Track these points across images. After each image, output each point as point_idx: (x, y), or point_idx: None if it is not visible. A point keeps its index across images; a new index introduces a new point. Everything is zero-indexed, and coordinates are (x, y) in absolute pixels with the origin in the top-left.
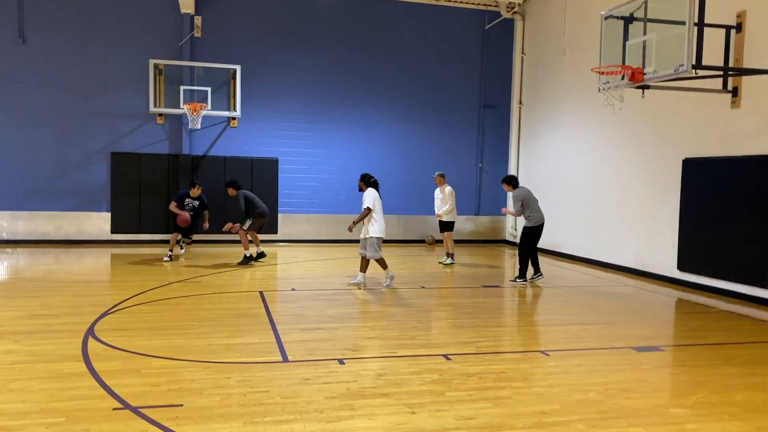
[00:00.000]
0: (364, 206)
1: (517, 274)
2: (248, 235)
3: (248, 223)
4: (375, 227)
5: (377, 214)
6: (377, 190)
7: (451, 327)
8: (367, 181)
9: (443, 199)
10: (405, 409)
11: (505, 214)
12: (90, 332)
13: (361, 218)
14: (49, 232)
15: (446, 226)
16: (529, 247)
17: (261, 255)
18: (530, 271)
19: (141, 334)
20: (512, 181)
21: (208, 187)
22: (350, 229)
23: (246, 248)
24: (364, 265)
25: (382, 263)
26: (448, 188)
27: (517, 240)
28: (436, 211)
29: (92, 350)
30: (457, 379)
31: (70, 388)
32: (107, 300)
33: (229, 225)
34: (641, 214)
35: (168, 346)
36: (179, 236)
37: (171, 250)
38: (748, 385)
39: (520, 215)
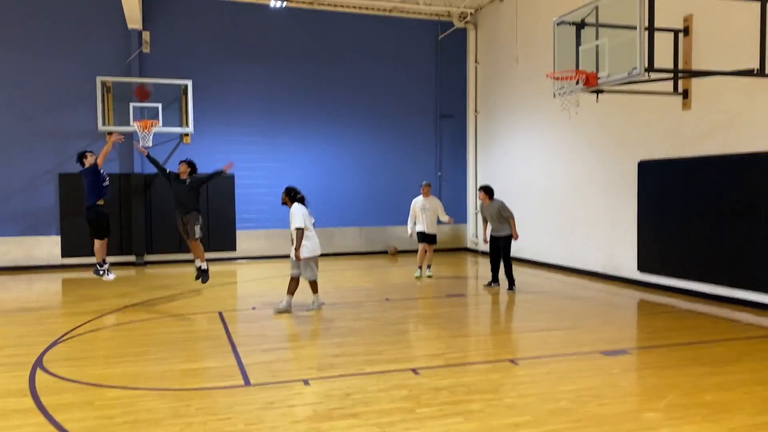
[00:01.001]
0: (293, 226)
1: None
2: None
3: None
4: (308, 246)
5: (309, 231)
6: (305, 205)
7: (418, 339)
8: (293, 197)
9: (434, 211)
10: (375, 430)
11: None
12: (38, 364)
13: (299, 242)
14: None
15: (434, 239)
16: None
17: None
18: (488, 277)
19: (94, 362)
20: (490, 191)
21: (163, 207)
22: (298, 258)
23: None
24: (293, 287)
25: (314, 285)
26: (437, 200)
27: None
28: (422, 226)
29: (40, 383)
30: (426, 394)
31: (15, 426)
32: (58, 328)
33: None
34: (601, 218)
35: (122, 375)
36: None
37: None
38: (716, 385)
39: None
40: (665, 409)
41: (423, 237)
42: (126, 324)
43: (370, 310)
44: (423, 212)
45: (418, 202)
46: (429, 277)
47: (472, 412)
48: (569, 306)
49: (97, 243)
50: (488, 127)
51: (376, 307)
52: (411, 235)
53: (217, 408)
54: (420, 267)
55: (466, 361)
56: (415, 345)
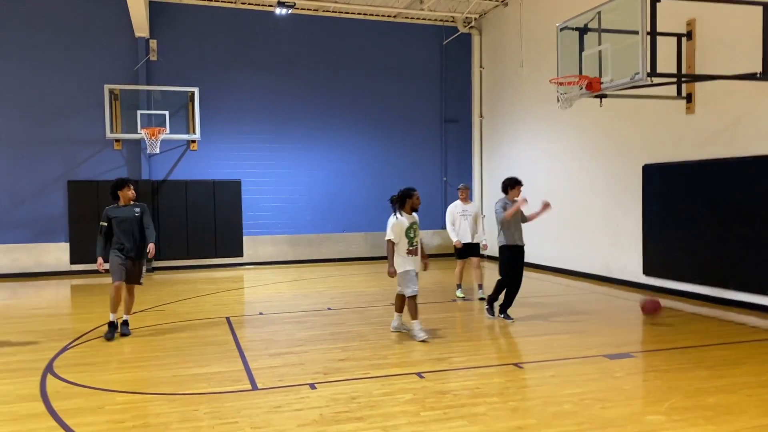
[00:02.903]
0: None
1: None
2: None
3: None
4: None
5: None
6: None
7: (423, 344)
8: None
9: (475, 217)
10: None
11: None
12: (49, 369)
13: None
14: (5, 265)
15: (478, 250)
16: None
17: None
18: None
19: (103, 368)
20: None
21: (170, 212)
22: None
23: None
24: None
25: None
26: (477, 205)
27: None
28: (459, 236)
29: (51, 388)
30: (431, 397)
31: (27, 430)
32: (67, 334)
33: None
34: (605, 221)
35: (132, 380)
36: None
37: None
38: (719, 388)
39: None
40: (668, 411)
41: (467, 249)
42: (135, 330)
43: (375, 315)
44: (464, 219)
45: (456, 207)
46: (481, 299)
47: (476, 416)
48: (574, 310)
49: None
50: (493, 132)
51: (381, 312)
52: (459, 242)
53: (225, 412)
54: (460, 285)
55: (471, 365)
56: (419, 349)
